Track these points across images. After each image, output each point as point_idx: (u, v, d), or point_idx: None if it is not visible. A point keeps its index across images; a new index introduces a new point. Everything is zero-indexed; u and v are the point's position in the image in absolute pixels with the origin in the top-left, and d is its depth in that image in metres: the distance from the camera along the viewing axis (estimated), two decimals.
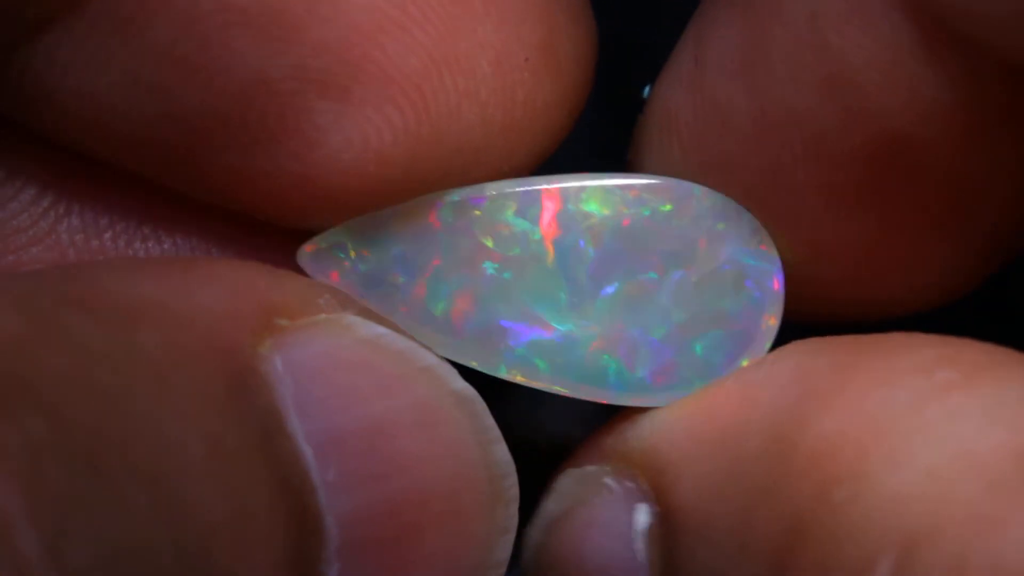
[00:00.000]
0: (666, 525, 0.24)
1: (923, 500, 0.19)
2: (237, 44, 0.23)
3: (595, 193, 0.25)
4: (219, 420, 0.20)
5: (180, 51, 0.23)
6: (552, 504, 0.26)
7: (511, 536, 0.23)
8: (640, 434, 0.25)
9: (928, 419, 0.20)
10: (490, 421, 0.23)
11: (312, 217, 0.25)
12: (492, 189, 0.25)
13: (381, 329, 0.23)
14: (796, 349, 0.24)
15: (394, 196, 0.25)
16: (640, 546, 0.24)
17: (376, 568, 0.22)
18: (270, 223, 0.26)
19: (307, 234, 0.26)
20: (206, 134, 0.24)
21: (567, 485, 0.26)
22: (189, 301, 0.21)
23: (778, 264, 0.25)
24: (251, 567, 0.19)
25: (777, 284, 0.25)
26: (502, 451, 0.23)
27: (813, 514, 0.20)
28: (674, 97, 0.26)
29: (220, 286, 0.22)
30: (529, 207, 0.25)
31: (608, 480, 0.25)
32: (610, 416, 0.27)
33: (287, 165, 0.24)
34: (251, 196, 0.25)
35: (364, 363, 0.22)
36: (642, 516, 0.24)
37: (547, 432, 0.34)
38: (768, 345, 0.25)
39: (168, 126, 0.24)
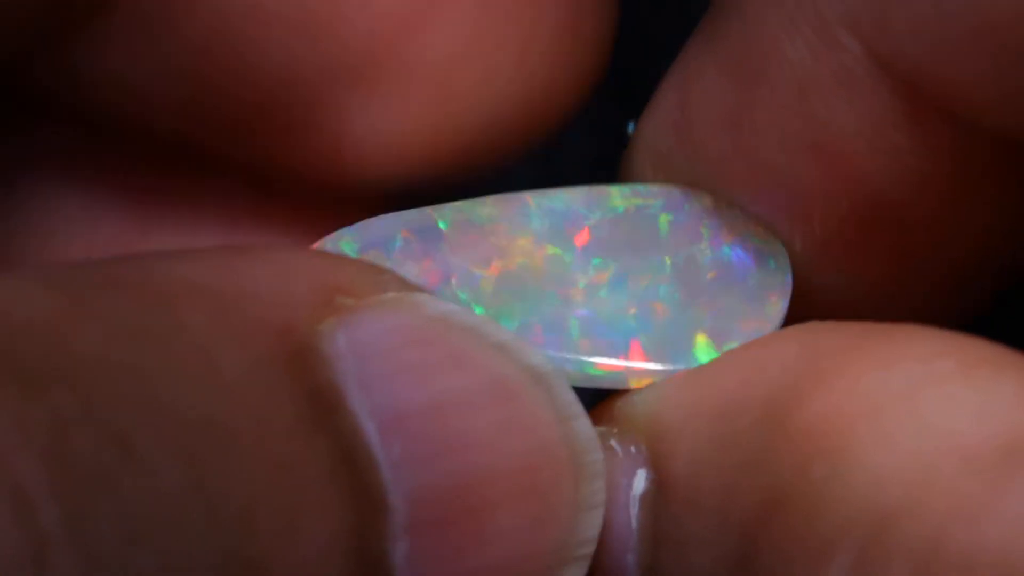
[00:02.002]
0: (660, 492, 0.24)
1: (902, 481, 0.19)
2: (265, 39, 0.23)
3: (592, 195, 0.26)
4: (269, 398, 0.19)
5: (210, 48, 0.23)
6: None
7: (599, 511, 0.23)
8: (646, 399, 0.25)
9: (920, 405, 0.20)
10: (570, 396, 0.22)
11: (336, 214, 0.26)
12: (491, 201, 0.25)
13: (452, 306, 0.22)
14: (807, 329, 0.23)
15: (419, 182, 0.26)
16: (634, 511, 0.24)
17: (448, 545, 0.21)
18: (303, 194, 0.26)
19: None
20: (236, 123, 0.24)
21: None
22: (242, 283, 0.20)
23: (781, 246, 0.26)
24: (301, 544, 0.19)
25: (783, 261, 0.25)
26: (584, 426, 0.22)
27: (792, 488, 0.20)
28: (663, 142, 0.26)
29: (276, 268, 0.21)
30: (529, 214, 0.25)
31: (613, 442, 0.25)
32: None
33: (315, 157, 0.25)
34: (281, 193, 0.25)
35: (434, 339, 0.22)
36: (640, 482, 0.24)
37: None
38: (776, 323, 0.26)
39: (201, 120, 0.24)
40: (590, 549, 0.22)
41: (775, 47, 0.24)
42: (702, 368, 0.25)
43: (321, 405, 0.20)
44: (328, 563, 0.19)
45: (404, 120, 0.24)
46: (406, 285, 0.23)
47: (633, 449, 0.25)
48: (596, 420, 0.27)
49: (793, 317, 0.26)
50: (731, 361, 0.24)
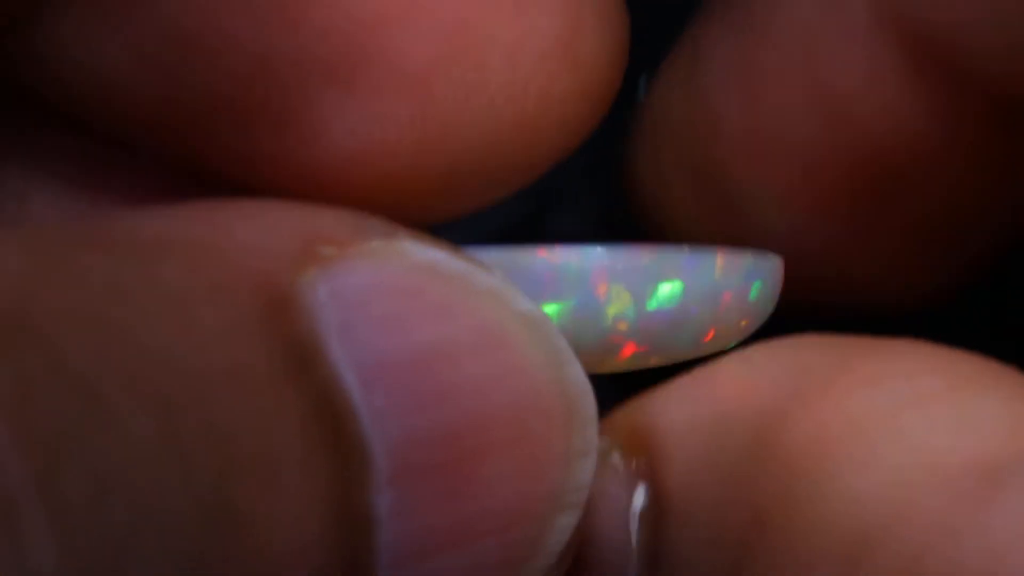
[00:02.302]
0: (656, 508, 0.24)
1: (883, 503, 0.19)
2: (239, 25, 0.23)
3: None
4: (245, 349, 0.19)
5: (182, 30, 0.23)
6: None
7: (591, 458, 0.22)
8: (642, 413, 0.25)
9: (902, 425, 0.19)
10: (562, 343, 0.22)
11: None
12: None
13: (439, 253, 0.21)
14: (801, 343, 0.23)
15: (403, 194, 0.25)
16: (634, 527, 0.24)
17: (435, 495, 0.20)
18: None
19: None
20: (208, 117, 0.24)
21: None
22: (224, 237, 0.20)
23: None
24: (283, 497, 0.19)
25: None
26: (576, 371, 0.22)
27: (776, 509, 0.20)
28: (669, 99, 0.26)
29: (256, 219, 0.21)
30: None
31: (615, 456, 0.25)
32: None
33: (290, 153, 0.24)
34: (256, 185, 0.25)
35: (420, 288, 0.21)
36: (639, 497, 0.24)
37: None
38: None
39: (170, 108, 0.24)
40: (583, 497, 0.22)
41: (781, 4, 0.24)
42: (696, 379, 0.25)
43: (299, 356, 0.19)
44: (311, 516, 0.19)
45: (385, 126, 0.24)
46: (394, 231, 0.22)
47: (634, 463, 0.25)
48: (600, 431, 0.27)
49: (792, 279, 0.25)
50: (723, 374, 0.24)
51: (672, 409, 0.24)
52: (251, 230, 0.21)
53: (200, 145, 0.24)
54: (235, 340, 0.19)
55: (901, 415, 0.20)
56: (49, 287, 0.18)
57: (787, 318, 0.26)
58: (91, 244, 0.19)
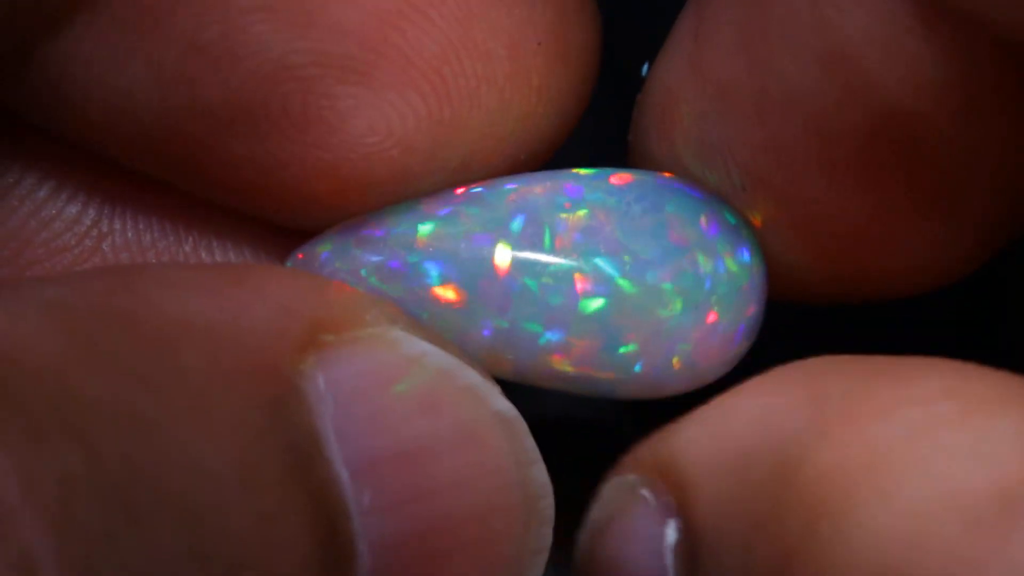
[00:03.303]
0: (689, 541, 0.24)
1: (904, 539, 0.18)
2: (259, 30, 0.23)
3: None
4: (256, 446, 0.20)
5: (204, 39, 0.23)
6: (596, 511, 0.26)
7: (544, 555, 0.23)
8: (667, 447, 0.25)
9: (919, 454, 0.19)
10: (530, 442, 0.23)
11: (337, 209, 0.25)
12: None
13: (426, 346, 0.22)
14: (816, 368, 0.23)
15: (417, 185, 0.25)
16: (669, 561, 0.24)
17: None
18: (295, 226, 0.26)
19: None
20: (230, 123, 0.24)
21: (609, 493, 0.26)
22: (237, 319, 0.21)
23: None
24: None
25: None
26: (540, 472, 0.23)
27: (802, 546, 0.20)
28: (673, 75, 0.25)
29: (269, 302, 0.22)
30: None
31: (644, 492, 0.25)
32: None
33: (311, 152, 0.24)
34: (276, 190, 0.25)
35: (407, 382, 0.22)
36: (671, 531, 0.24)
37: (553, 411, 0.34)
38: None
39: (192, 117, 0.24)
40: None
41: None
42: (716, 410, 0.25)
43: (302, 453, 0.20)
44: None
45: (402, 119, 0.24)
46: (391, 318, 0.23)
47: (665, 497, 0.25)
48: (626, 467, 0.27)
49: (807, 254, 0.25)
50: (743, 404, 0.24)
51: (695, 442, 0.24)
52: (262, 310, 0.21)
53: (214, 158, 0.25)
54: (245, 436, 0.20)
55: (917, 444, 0.19)
56: (85, 375, 0.18)
57: (801, 304, 0.26)
58: (118, 323, 0.19)
